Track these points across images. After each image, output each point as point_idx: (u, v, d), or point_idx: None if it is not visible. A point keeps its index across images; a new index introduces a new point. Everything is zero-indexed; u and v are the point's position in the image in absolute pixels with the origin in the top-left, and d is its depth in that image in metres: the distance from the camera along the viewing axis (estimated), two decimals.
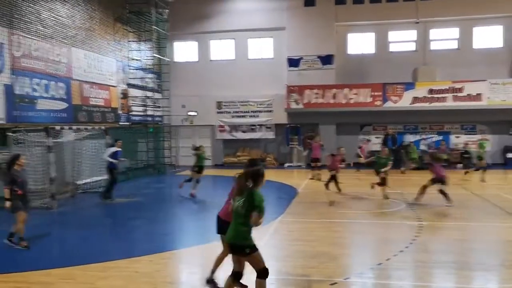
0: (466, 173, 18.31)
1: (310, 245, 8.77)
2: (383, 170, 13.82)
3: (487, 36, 24.65)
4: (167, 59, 24.24)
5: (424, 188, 12.86)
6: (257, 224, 5.24)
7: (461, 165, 23.18)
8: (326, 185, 15.05)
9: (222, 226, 6.20)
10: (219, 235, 6.37)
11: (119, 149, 14.34)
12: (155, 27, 22.39)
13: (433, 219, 11.23)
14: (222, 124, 26.22)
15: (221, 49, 26.56)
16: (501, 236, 9.59)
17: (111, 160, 14.09)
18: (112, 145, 14.62)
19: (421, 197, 12.83)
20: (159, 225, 11.12)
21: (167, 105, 24.47)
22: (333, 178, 14.94)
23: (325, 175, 16.68)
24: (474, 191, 15.29)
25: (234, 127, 26.18)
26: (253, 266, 5.43)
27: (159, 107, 23.91)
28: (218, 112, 26.18)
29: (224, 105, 26.14)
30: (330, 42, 24.82)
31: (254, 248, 5.36)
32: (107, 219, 12.79)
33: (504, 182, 17.81)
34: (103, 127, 16.96)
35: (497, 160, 23.81)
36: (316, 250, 8.44)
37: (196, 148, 15.42)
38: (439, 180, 12.66)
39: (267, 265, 5.48)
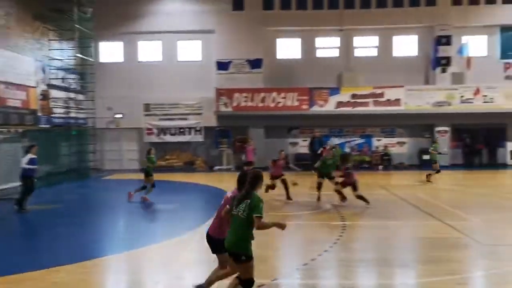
0: (428, 176, 18.36)
1: None
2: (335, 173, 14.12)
3: (405, 45, 26.21)
4: (91, 60, 23.29)
5: (340, 194, 13.37)
6: (260, 227, 5.24)
7: (382, 166, 24.49)
8: (288, 197, 14.44)
9: (215, 245, 5.94)
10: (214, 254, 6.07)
11: (35, 156, 13.28)
12: (77, 25, 21.42)
13: (355, 219, 11.76)
14: (150, 127, 25.69)
15: (149, 51, 26.09)
16: (418, 234, 10.21)
17: (30, 167, 13.13)
18: (27, 152, 13.64)
19: (344, 201, 13.36)
20: (82, 233, 10.65)
21: (92, 107, 23.48)
22: (284, 183, 14.40)
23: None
24: (393, 192, 16.16)
25: (163, 130, 25.76)
26: (241, 274, 5.45)
27: (82, 109, 22.92)
28: (146, 115, 25.62)
29: (152, 108, 25.66)
30: (259, 46, 25.16)
31: (249, 258, 5.37)
32: (24, 227, 12.04)
33: (420, 183, 18.89)
34: (20, 130, 15.94)
35: (413, 161, 25.33)
36: None
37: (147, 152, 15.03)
38: (349, 183, 13.20)
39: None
